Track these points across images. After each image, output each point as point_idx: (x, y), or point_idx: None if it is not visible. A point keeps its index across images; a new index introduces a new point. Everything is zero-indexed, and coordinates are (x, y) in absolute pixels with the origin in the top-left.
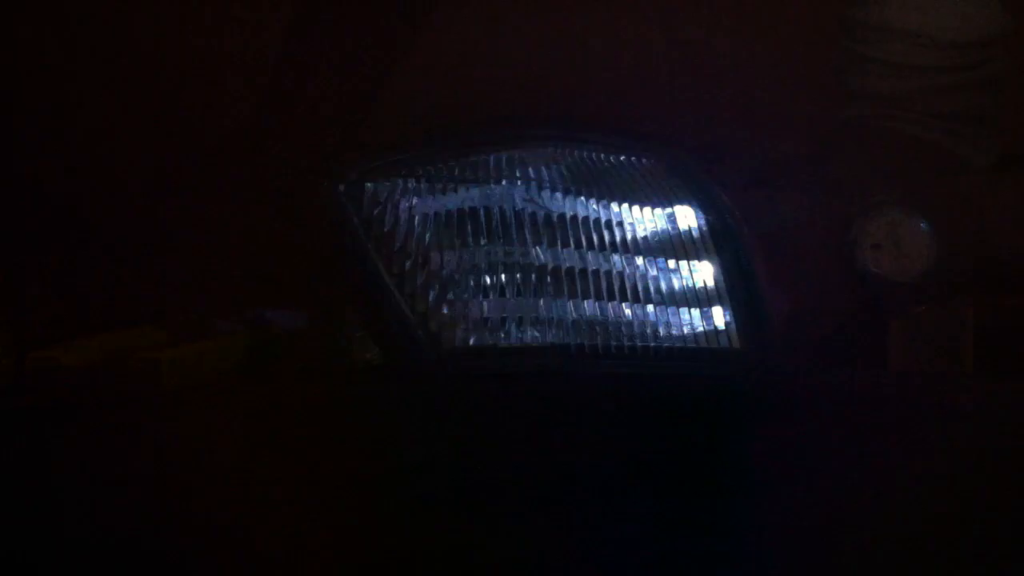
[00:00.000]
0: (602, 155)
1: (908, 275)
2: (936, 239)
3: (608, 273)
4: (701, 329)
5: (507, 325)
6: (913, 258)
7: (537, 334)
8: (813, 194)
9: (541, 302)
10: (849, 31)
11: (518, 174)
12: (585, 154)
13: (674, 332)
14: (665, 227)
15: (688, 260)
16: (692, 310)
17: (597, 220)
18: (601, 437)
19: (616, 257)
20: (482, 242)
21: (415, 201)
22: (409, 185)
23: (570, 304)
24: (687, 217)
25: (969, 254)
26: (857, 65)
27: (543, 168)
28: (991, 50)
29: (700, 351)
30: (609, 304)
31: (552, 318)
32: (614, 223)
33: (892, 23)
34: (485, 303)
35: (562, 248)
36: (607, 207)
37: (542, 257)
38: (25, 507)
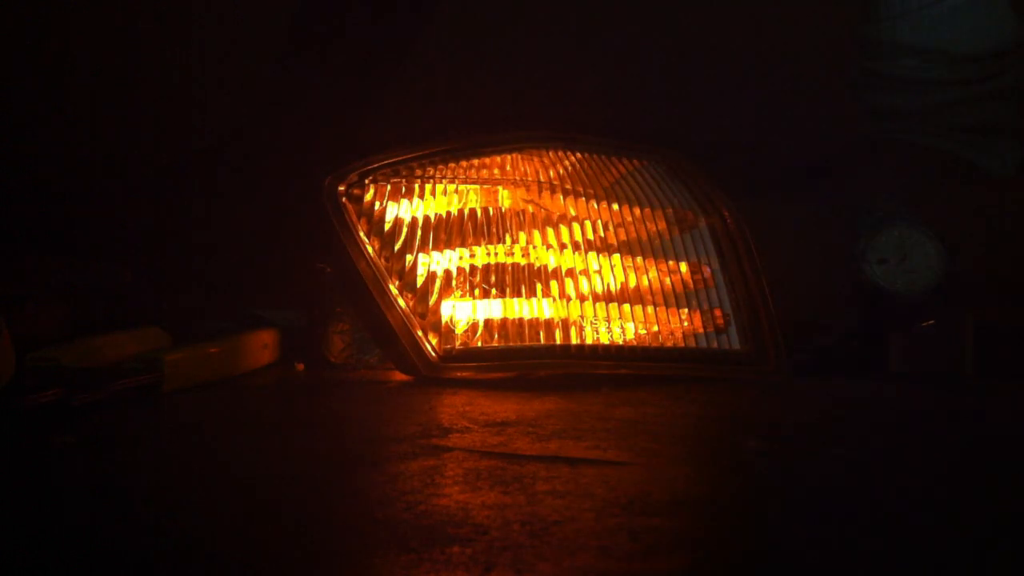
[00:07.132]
0: (602, 156)
1: (914, 291)
2: (944, 255)
3: (608, 273)
4: (702, 330)
5: (507, 325)
6: (920, 274)
7: (538, 334)
8: (821, 204)
9: (545, 303)
10: (862, 48)
11: (518, 175)
12: (585, 155)
13: (675, 333)
14: (666, 228)
15: (689, 261)
16: (693, 311)
17: (597, 220)
18: None
19: (616, 257)
20: (482, 242)
21: (415, 201)
22: (409, 186)
23: (571, 304)
24: (688, 219)
25: (975, 263)
26: (871, 81)
27: (543, 169)
28: (1006, 61)
29: (701, 352)
30: (609, 305)
31: (553, 318)
32: (614, 223)
33: (904, 39)
34: (485, 303)
35: (562, 249)
36: (607, 207)
37: (542, 258)
38: (25, 507)
